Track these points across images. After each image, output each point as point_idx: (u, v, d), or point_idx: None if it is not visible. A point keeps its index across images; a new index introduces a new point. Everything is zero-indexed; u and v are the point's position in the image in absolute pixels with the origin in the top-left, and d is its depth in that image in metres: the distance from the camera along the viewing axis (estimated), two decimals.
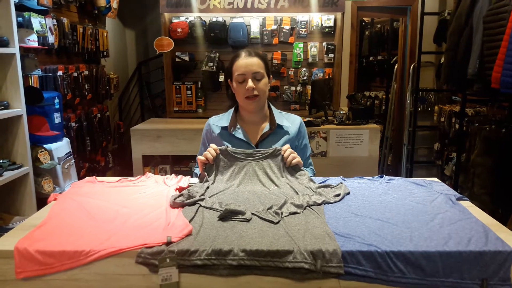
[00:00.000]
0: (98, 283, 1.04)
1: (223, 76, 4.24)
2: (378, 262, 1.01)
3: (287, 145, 1.58)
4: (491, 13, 2.50)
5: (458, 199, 1.40)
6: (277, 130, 1.74)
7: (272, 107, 1.80)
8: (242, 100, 1.68)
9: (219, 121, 1.78)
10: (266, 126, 1.75)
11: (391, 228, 1.14)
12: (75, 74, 3.29)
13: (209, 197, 1.38)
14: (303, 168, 1.60)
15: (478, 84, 2.72)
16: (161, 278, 1.01)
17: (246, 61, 1.65)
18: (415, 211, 1.28)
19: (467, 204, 1.37)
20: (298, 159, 1.55)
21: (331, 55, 4.23)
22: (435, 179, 1.64)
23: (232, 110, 1.79)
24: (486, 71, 2.52)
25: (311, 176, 1.73)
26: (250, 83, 1.63)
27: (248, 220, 1.19)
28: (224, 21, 4.15)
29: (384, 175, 1.65)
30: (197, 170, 1.75)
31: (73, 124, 3.26)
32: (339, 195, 1.41)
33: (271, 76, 1.74)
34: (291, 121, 1.79)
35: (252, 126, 1.75)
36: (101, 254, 1.02)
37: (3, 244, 1.08)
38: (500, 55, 2.36)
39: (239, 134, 1.72)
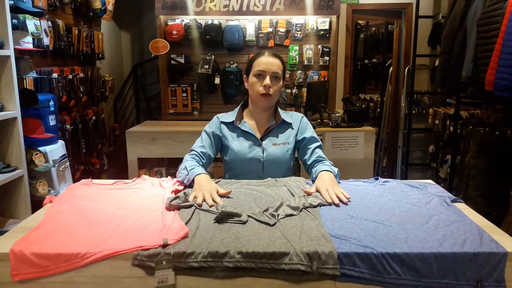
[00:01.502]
0: (94, 285, 1.03)
1: (218, 79, 4.25)
2: (373, 264, 1.01)
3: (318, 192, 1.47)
4: (485, 16, 2.53)
5: (453, 201, 1.42)
6: (281, 124, 1.80)
7: (278, 106, 1.86)
8: (256, 95, 1.72)
9: (226, 116, 1.83)
10: (271, 121, 1.80)
11: (387, 230, 1.15)
12: (70, 76, 3.28)
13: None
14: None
15: (472, 87, 2.74)
16: (157, 280, 1.01)
17: (269, 60, 1.71)
18: (410, 213, 1.29)
19: (462, 206, 1.39)
20: (340, 196, 1.43)
21: (327, 58, 4.25)
22: (430, 181, 1.65)
23: (239, 107, 1.85)
24: (480, 73, 2.54)
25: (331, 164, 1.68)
26: (268, 80, 1.69)
27: (244, 222, 1.19)
28: (220, 23, 4.16)
29: (379, 177, 1.66)
30: (188, 164, 1.60)
31: (68, 126, 3.24)
32: None
33: (284, 82, 1.80)
34: (293, 117, 1.85)
35: (258, 121, 1.81)
36: (97, 257, 1.02)
37: None
38: (494, 58, 2.38)
39: (244, 127, 1.77)
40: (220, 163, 1.89)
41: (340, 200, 1.39)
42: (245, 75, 1.80)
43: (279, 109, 1.83)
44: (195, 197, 1.38)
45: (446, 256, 1.02)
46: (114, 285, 1.04)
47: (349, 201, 1.40)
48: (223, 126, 1.80)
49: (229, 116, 1.82)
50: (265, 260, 1.02)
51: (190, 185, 1.54)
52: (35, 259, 1.02)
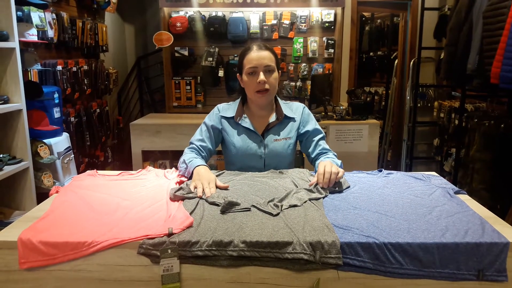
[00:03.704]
0: (100, 273, 1.05)
1: (222, 71, 4.24)
2: (376, 253, 1.02)
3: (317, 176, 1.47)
4: (491, 8, 2.50)
5: (456, 192, 1.42)
6: (283, 119, 1.76)
7: (278, 98, 1.80)
8: (252, 94, 1.68)
9: (227, 110, 1.78)
10: (272, 116, 1.76)
11: (389, 220, 1.16)
12: (74, 68, 3.29)
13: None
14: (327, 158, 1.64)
15: (477, 80, 2.72)
16: (162, 268, 1.02)
17: (258, 54, 1.65)
18: (413, 204, 1.29)
19: (465, 198, 1.39)
20: (339, 174, 1.45)
21: (331, 50, 4.23)
22: (434, 173, 1.66)
23: (238, 100, 1.80)
24: (486, 66, 2.52)
25: (335, 156, 1.69)
26: (261, 76, 1.63)
27: (248, 209, 1.21)
28: (224, 15, 4.14)
29: (383, 169, 1.66)
30: (187, 157, 1.62)
31: (72, 119, 3.26)
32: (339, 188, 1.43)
33: (279, 71, 1.74)
34: (294, 109, 1.80)
35: (258, 117, 1.76)
36: (103, 245, 1.03)
37: (7, 235, 1.09)
38: (500, 50, 2.36)
39: (245, 123, 1.73)
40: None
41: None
42: (238, 74, 1.74)
43: (280, 102, 1.78)
44: (195, 187, 1.39)
45: (448, 246, 1.03)
46: (119, 273, 1.05)
47: (352, 193, 1.40)
48: (223, 120, 1.76)
49: (230, 109, 1.78)
50: (269, 249, 1.03)
51: (192, 177, 1.54)
52: (43, 247, 1.04)
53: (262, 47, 1.68)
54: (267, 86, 1.64)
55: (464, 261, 1.03)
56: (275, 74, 1.68)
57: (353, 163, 3.42)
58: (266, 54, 1.65)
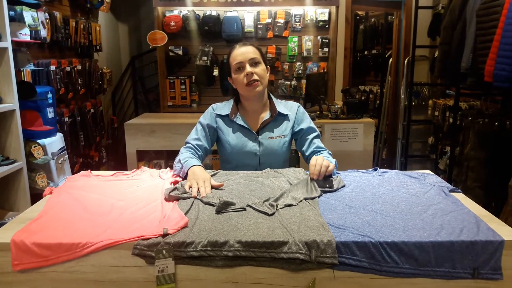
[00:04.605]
0: (95, 275, 1.04)
1: (217, 70, 4.22)
2: (371, 252, 1.02)
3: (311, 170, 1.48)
4: (484, 6, 2.52)
5: (451, 191, 1.43)
6: (277, 117, 1.77)
7: (272, 96, 1.82)
8: (243, 88, 1.69)
9: (222, 109, 1.80)
10: (266, 114, 1.77)
11: (385, 219, 1.16)
12: (68, 68, 3.26)
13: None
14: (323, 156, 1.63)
15: (471, 78, 2.74)
16: (157, 269, 1.02)
17: (242, 50, 1.68)
18: (408, 202, 1.29)
19: (460, 196, 1.39)
20: (329, 167, 1.46)
21: (326, 49, 4.23)
22: (428, 171, 1.66)
23: (232, 100, 1.81)
24: (479, 64, 2.53)
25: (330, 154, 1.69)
26: (248, 68, 1.66)
27: (243, 209, 1.20)
28: (218, 14, 4.13)
29: (378, 168, 1.66)
30: (182, 157, 1.62)
31: (66, 119, 3.24)
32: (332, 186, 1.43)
33: (268, 67, 1.76)
34: (289, 108, 1.81)
35: (252, 115, 1.77)
36: (97, 246, 1.02)
37: (0, 237, 1.08)
38: (493, 49, 2.38)
39: (239, 120, 1.75)
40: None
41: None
42: (229, 77, 1.76)
43: (274, 100, 1.80)
44: (190, 187, 1.39)
45: (443, 244, 1.03)
46: (114, 274, 1.04)
47: (348, 192, 1.40)
48: (218, 118, 1.78)
49: (225, 108, 1.79)
50: (264, 249, 1.03)
51: (187, 177, 1.54)
52: (36, 249, 1.03)
53: (245, 43, 1.72)
54: (255, 76, 1.66)
55: (459, 259, 1.03)
56: (262, 66, 1.70)
57: (348, 162, 3.43)
58: (249, 48, 1.69)
